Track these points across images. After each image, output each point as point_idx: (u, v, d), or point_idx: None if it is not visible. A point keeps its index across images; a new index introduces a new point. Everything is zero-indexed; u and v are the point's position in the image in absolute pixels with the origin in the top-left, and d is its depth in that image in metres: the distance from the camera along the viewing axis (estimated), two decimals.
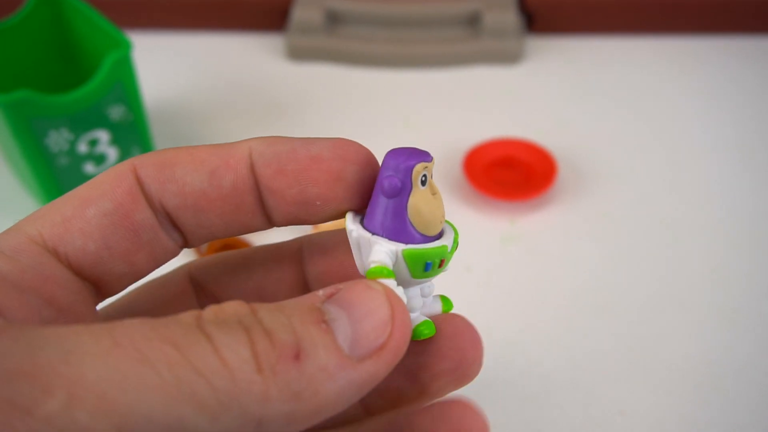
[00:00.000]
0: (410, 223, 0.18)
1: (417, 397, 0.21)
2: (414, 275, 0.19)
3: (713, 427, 0.37)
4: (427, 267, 0.19)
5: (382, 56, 0.58)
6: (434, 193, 0.19)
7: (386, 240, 0.19)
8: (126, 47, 0.41)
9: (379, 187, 0.19)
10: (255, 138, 0.19)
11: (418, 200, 0.18)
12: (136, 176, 0.19)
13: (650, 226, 0.47)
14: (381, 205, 0.19)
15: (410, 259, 0.18)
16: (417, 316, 0.20)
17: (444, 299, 0.21)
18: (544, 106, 0.55)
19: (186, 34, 0.61)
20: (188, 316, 0.15)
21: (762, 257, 0.45)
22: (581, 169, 0.50)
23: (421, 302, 0.20)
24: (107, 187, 0.19)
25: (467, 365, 0.20)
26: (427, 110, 0.55)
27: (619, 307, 0.42)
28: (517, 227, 0.46)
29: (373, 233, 0.19)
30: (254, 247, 0.23)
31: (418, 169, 0.18)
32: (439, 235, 0.19)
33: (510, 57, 0.58)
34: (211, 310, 0.16)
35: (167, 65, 0.58)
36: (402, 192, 0.18)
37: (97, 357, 0.14)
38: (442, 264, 0.19)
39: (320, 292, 0.17)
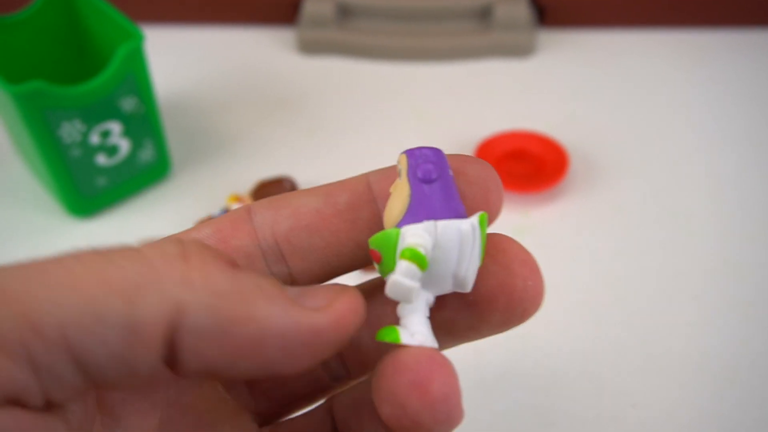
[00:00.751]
0: (458, 195, 0.18)
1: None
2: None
3: (726, 421, 0.36)
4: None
5: (393, 49, 0.58)
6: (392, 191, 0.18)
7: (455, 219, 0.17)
8: (138, 39, 0.41)
9: (415, 179, 0.17)
10: (371, 171, 0.19)
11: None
12: (249, 211, 0.19)
13: (662, 218, 0.46)
14: (423, 193, 0.17)
15: (484, 224, 0.18)
16: (403, 320, 0.17)
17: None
18: (555, 99, 0.55)
19: (197, 28, 0.61)
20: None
21: None
22: (593, 161, 0.50)
23: (402, 309, 0.18)
24: (218, 219, 0.19)
25: (413, 416, 0.16)
26: (439, 103, 0.55)
27: (631, 299, 0.42)
28: (529, 219, 0.46)
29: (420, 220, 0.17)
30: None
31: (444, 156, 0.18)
32: None
33: (522, 50, 0.58)
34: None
35: (179, 58, 0.58)
36: (440, 174, 0.18)
37: (13, 268, 0.14)
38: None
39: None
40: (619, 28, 0.61)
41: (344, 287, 0.17)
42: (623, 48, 0.59)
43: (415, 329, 0.17)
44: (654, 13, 0.60)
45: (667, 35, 0.60)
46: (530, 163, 0.49)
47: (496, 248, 0.18)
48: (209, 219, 0.20)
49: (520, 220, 0.46)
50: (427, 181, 0.18)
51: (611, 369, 0.39)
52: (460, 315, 0.19)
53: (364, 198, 0.19)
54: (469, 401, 0.39)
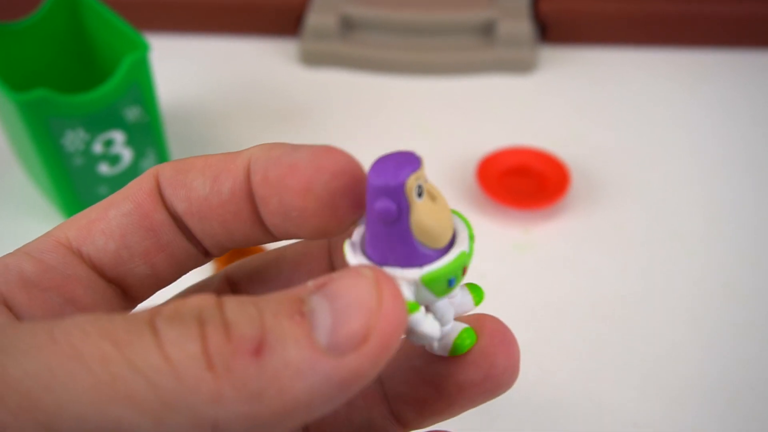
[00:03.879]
0: (419, 243, 0.16)
1: (445, 408, 0.19)
2: (439, 294, 0.17)
3: None
4: (450, 282, 0.17)
5: (396, 63, 0.58)
6: (434, 198, 0.17)
7: (399, 269, 0.16)
8: (144, 49, 0.41)
9: (372, 213, 0.16)
10: (259, 144, 0.18)
11: (420, 216, 0.16)
12: (156, 179, 0.19)
13: (663, 238, 0.47)
14: (381, 233, 0.16)
15: (431, 283, 0.16)
16: (453, 326, 0.18)
17: (473, 289, 0.19)
18: (557, 116, 0.55)
19: (201, 38, 0.61)
20: (145, 312, 0.14)
21: None
22: (594, 179, 0.50)
23: (452, 312, 0.18)
24: (131, 191, 0.19)
25: (498, 375, 0.18)
26: (441, 118, 0.55)
27: (632, 318, 0.42)
28: (530, 236, 0.46)
29: (381, 264, 0.17)
30: (289, 245, 0.22)
31: (411, 183, 0.16)
32: (452, 240, 0.17)
33: (524, 66, 0.58)
34: (172, 304, 0.14)
35: (182, 68, 0.58)
36: (400, 214, 0.16)
37: (27, 353, 0.13)
38: (465, 271, 0.17)
39: (310, 283, 0.15)
40: (621, 46, 0.61)
41: (375, 287, 0.15)
42: (625, 66, 0.60)
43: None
44: (656, 31, 0.60)
45: (669, 54, 0.60)
46: (532, 180, 0.49)
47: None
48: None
49: (520, 237, 0.46)
50: (387, 223, 0.17)
51: (611, 387, 0.39)
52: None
53: (243, 189, 0.18)
54: (468, 421, 0.39)
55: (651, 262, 0.45)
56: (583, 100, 0.57)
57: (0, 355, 0.13)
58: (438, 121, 0.55)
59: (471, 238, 0.17)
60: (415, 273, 0.16)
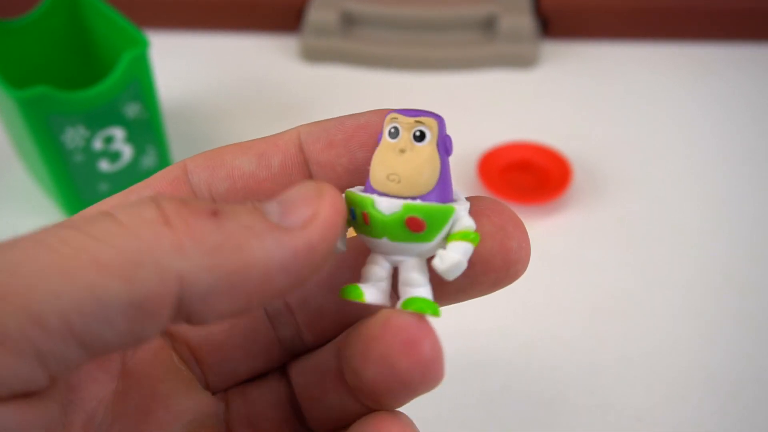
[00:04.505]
0: (369, 173, 0.18)
1: (375, 400, 0.18)
2: (347, 223, 0.18)
3: None
4: (352, 214, 0.18)
5: (397, 59, 0.58)
6: (402, 149, 0.17)
7: (358, 188, 0.19)
8: (143, 45, 0.41)
9: (444, 153, 0.18)
10: (304, 124, 0.19)
11: (376, 151, 0.18)
12: (184, 169, 0.19)
13: (665, 231, 0.46)
14: (447, 168, 0.18)
15: (345, 200, 0.18)
16: (412, 291, 0.17)
17: (415, 302, 0.17)
18: (559, 111, 0.55)
19: (201, 34, 0.61)
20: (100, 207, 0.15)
21: None
22: (596, 173, 0.50)
23: (377, 272, 0.18)
24: (153, 179, 0.19)
25: (401, 375, 0.17)
26: (442, 113, 0.55)
27: (634, 312, 0.42)
28: (532, 231, 0.46)
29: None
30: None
31: (387, 119, 0.18)
32: (403, 198, 0.17)
33: (525, 61, 0.58)
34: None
35: (183, 64, 0.58)
36: (379, 141, 0.18)
37: (21, 257, 0.14)
38: (366, 220, 0.17)
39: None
40: (623, 41, 0.61)
41: (318, 186, 0.16)
42: (626, 60, 0.59)
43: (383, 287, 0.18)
44: (657, 26, 0.60)
45: (670, 48, 0.60)
46: (533, 175, 0.49)
47: (491, 209, 0.19)
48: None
49: None
50: (449, 154, 0.18)
51: (614, 382, 0.38)
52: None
53: (296, 161, 0.19)
54: (472, 414, 0.39)
55: (653, 256, 0.45)
56: (584, 95, 0.57)
57: None
58: None
59: (406, 212, 0.17)
60: (351, 189, 0.18)
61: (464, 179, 0.49)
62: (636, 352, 0.40)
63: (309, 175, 0.19)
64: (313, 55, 0.59)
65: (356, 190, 0.18)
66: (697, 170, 0.50)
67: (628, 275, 0.44)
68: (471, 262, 0.18)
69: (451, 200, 0.18)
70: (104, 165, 0.43)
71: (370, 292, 0.18)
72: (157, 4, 0.59)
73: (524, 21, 0.57)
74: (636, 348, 0.40)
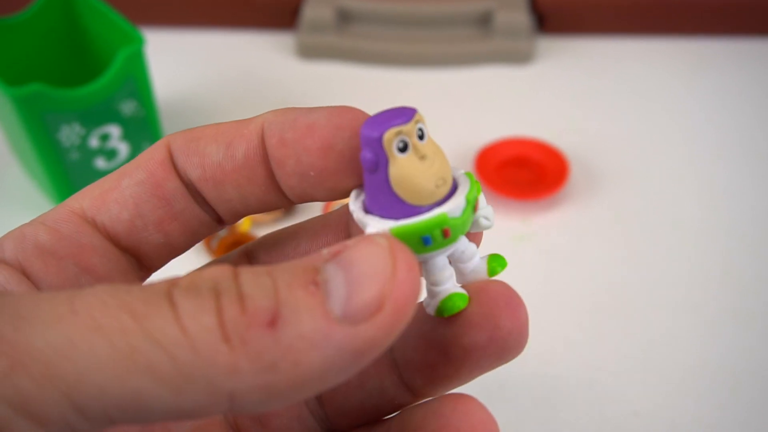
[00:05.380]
0: (398, 196, 0.17)
1: (453, 373, 0.19)
2: (417, 251, 0.17)
3: (728, 429, 0.36)
4: (426, 242, 0.17)
5: (393, 55, 0.58)
6: (422, 155, 0.17)
7: (378, 219, 0.17)
8: (139, 42, 0.41)
9: (361, 162, 0.17)
10: (271, 110, 0.19)
11: (398, 170, 0.17)
12: (168, 148, 0.19)
13: (662, 226, 0.46)
14: (367, 181, 0.17)
15: (402, 237, 0.17)
16: (446, 288, 0.18)
17: (494, 258, 0.19)
18: (555, 106, 0.55)
19: (197, 32, 0.61)
20: (162, 283, 0.14)
21: None
22: (593, 169, 0.50)
23: (448, 273, 0.18)
24: (143, 160, 0.19)
25: (503, 337, 0.18)
26: (439, 109, 0.55)
27: (632, 307, 0.42)
28: (529, 226, 0.46)
29: (369, 212, 0.17)
30: (307, 220, 0.22)
31: (389, 137, 0.16)
32: (444, 200, 0.17)
33: (521, 57, 0.58)
34: (189, 276, 0.15)
35: (179, 62, 0.58)
36: (379, 165, 0.17)
37: (48, 324, 0.13)
38: (447, 234, 0.17)
39: (325, 251, 0.15)
40: (619, 36, 0.61)
41: (390, 254, 0.15)
42: (623, 55, 0.59)
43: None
44: (653, 20, 0.60)
45: (666, 43, 0.60)
46: (530, 171, 0.49)
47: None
48: None
49: (520, 228, 0.46)
50: (369, 171, 0.18)
51: (612, 377, 0.39)
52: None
53: (258, 153, 0.18)
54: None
55: (650, 250, 0.45)
56: (581, 90, 0.57)
57: (22, 325, 0.13)
58: (436, 113, 0.54)
59: (469, 203, 0.17)
60: (388, 224, 0.17)
61: None
62: (634, 346, 0.40)
63: (270, 169, 0.18)
64: (308, 52, 0.58)
65: (386, 224, 0.17)
66: (694, 165, 0.51)
67: (625, 270, 0.44)
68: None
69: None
70: (100, 163, 0.43)
71: (461, 291, 0.18)
72: (152, 1, 0.59)
73: (520, 17, 0.57)
74: (634, 343, 0.40)
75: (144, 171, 0.19)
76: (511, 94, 0.56)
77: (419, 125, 0.17)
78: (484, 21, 0.59)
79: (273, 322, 0.14)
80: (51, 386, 0.13)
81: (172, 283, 0.14)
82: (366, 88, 0.57)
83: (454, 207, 0.17)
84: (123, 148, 0.43)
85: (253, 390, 0.14)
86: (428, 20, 0.58)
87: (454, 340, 0.18)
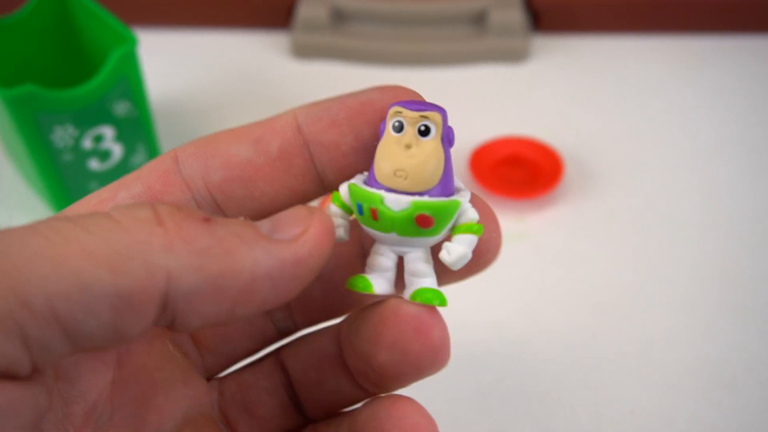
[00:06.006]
0: (373, 167, 0.18)
1: (382, 383, 0.19)
2: (353, 215, 0.18)
3: (724, 427, 0.36)
4: (358, 209, 0.18)
5: (388, 54, 0.58)
6: (407, 145, 0.17)
7: (359, 179, 0.18)
8: (132, 43, 0.41)
9: (447, 145, 0.19)
10: (299, 106, 0.19)
11: (380, 144, 0.18)
12: (175, 161, 0.19)
13: (658, 225, 0.46)
14: (450, 161, 0.18)
15: (351, 195, 0.18)
16: (419, 281, 0.18)
17: (432, 292, 0.18)
18: (550, 105, 0.55)
19: (191, 32, 0.60)
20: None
21: None
22: (588, 167, 0.50)
23: (384, 265, 0.18)
24: (144, 172, 0.19)
25: (414, 359, 0.18)
26: None
27: (628, 305, 0.42)
28: (524, 225, 0.46)
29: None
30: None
31: (390, 113, 0.18)
32: (410, 194, 0.17)
33: (516, 55, 0.58)
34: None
35: (172, 62, 0.58)
36: (381, 134, 0.18)
37: (12, 241, 0.14)
38: (374, 215, 0.17)
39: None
40: (614, 34, 0.61)
41: (310, 209, 0.17)
42: (618, 53, 0.59)
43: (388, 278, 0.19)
44: (649, 18, 0.60)
45: (662, 41, 0.60)
46: (525, 169, 0.49)
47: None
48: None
49: (515, 226, 0.46)
50: (451, 145, 0.18)
51: (608, 375, 0.38)
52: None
53: (295, 143, 0.19)
54: (465, 408, 0.38)
55: (646, 249, 0.45)
56: (576, 89, 0.57)
57: None
58: None
59: (413, 209, 0.17)
60: (353, 180, 0.18)
61: (456, 175, 0.49)
62: (629, 345, 0.40)
63: (310, 158, 0.19)
64: (303, 52, 0.58)
65: (359, 182, 0.18)
66: (690, 163, 0.51)
67: (620, 269, 0.44)
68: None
69: (453, 191, 0.19)
70: (94, 164, 0.43)
71: (379, 283, 0.18)
72: (146, 1, 0.59)
73: (515, 15, 0.57)
74: (629, 341, 0.40)
75: (142, 184, 0.19)
76: (505, 92, 0.56)
77: (426, 122, 0.18)
78: (478, 19, 0.58)
79: (207, 219, 0.15)
80: None
81: (107, 206, 0.16)
82: (361, 86, 0.56)
83: (392, 199, 0.17)
84: (117, 149, 0.43)
85: (187, 270, 0.15)
86: (423, 19, 0.58)
87: (371, 355, 0.19)
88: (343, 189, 0.18)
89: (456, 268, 0.18)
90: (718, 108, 0.55)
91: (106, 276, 0.14)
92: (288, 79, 0.57)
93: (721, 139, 0.52)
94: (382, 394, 0.19)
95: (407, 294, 0.18)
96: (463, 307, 0.37)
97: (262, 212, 0.19)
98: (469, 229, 0.18)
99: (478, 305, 0.41)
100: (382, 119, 0.18)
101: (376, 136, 0.18)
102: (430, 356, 0.18)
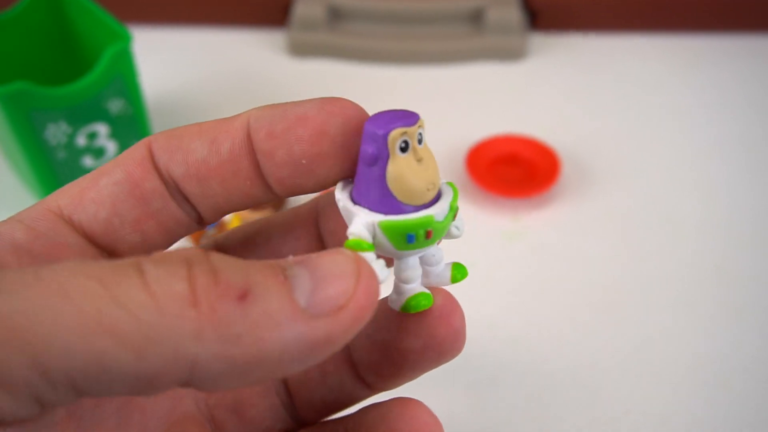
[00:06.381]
0: (391, 192, 0.18)
1: (395, 373, 0.20)
2: (398, 247, 0.18)
3: (720, 426, 0.36)
4: (409, 239, 0.18)
5: (384, 52, 0.58)
6: (420, 158, 0.18)
7: (367, 211, 0.18)
8: (126, 40, 0.40)
9: (360, 154, 0.18)
10: (257, 107, 0.19)
11: (396, 168, 0.17)
12: (149, 148, 0.19)
13: (654, 223, 0.46)
14: (362, 173, 0.18)
15: (388, 231, 0.18)
16: (414, 287, 0.19)
17: (457, 267, 0.20)
18: (547, 104, 0.55)
19: (187, 29, 0.60)
20: (131, 257, 0.15)
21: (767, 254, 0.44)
22: (585, 166, 0.50)
23: (418, 273, 0.19)
24: (121, 160, 0.19)
25: (438, 343, 0.19)
26: (430, 107, 0.55)
27: (623, 305, 0.42)
28: (520, 224, 0.46)
29: (357, 203, 0.18)
30: (275, 214, 0.22)
31: (395, 135, 0.17)
32: (431, 204, 0.18)
33: (513, 54, 0.58)
34: (159, 253, 0.15)
35: (168, 60, 0.58)
36: (379, 161, 0.17)
37: (13, 292, 0.13)
38: (429, 235, 0.18)
39: (290, 257, 0.16)
40: (611, 33, 0.60)
41: (356, 264, 0.16)
42: (615, 52, 0.59)
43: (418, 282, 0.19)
44: (646, 17, 0.60)
45: (659, 40, 0.60)
46: (521, 168, 0.49)
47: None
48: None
49: (510, 226, 0.46)
50: (367, 164, 0.18)
51: (604, 375, 0.38)
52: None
53: (244, 147, 0.18)
54: (461, 408, 0.38)
55: (642, 248, 0.45)
56: (573, 88, 0.56)
57: None
58: (427, 110, 0.54)
59: (452, 206, 0.18)
60: (377, 217, 0.18)
61: (452, 173, 0.49)
62: (625, 344, 0.40)
63: (256, 165, 0.19)
64: (300, 50, 0.58)
65: (368, 214, 0.18)
66: (687, 162, 0.50)
67: (616, 268, 0.44)
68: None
69: None
70: (88, 161, 0.43)
71: (428, 292, 0.19)
72: None
73: (512, 13, 0.57)
74: (625, 341, 0.40)
75: (122, 170, 0.19)
76: (502, 91, 0.56)
77: (420, 130, 0.18)
78: (475, 18, 0.58)
79: (243, 296, 0.14)
80: (16, 350, 0.13)
81: (143, 257, 0.15)
82: (357, 85, 0.56)
83: (440, 211, 0.18)
84: (111, 147, 0.43)
85: (214, 359, 0.14)
86: (419, 17, 0.58)
87: (393, 344, 0.19)
88: (357, 229, 0.18)
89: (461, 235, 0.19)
90: (715, 107, 0.55)
91: (131, 360, 0.13)
92: (284, 77, 0.57)
93: (718, 138, 0.52)
94: (387, 398, 0.20)
95: (445, 279, 0.20)
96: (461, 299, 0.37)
97: (217, 210, 0.19)
98: (454, 199, 0.19)
99: (472, 304, 0.41)
100: (315, 131, 0.18)
101: (307, 153, 0.18)
102: (452, 340, 0.19)
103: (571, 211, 0.47)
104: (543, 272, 0.43)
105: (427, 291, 0.19)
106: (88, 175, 0.19)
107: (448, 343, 0.19)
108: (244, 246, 0.22)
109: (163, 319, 0.14)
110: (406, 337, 0.19)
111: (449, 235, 0.19)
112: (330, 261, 0.16)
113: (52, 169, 0.41)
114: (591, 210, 0.47)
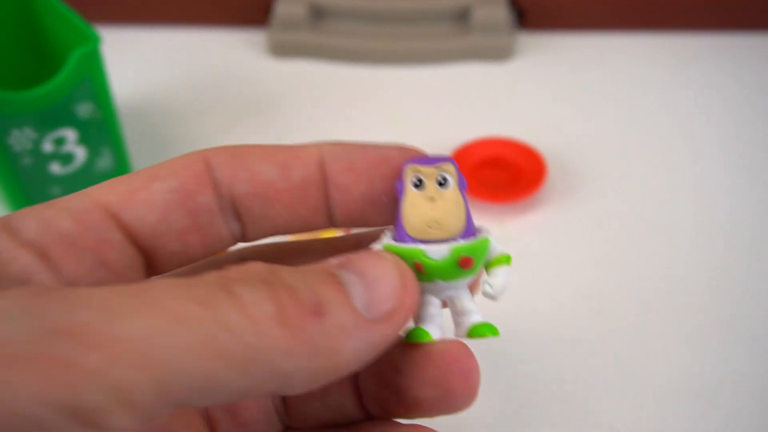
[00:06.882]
0: (401, 223, 0.19)
1: (403, 414, 0.21)
2: None
3: None
4: None
5: (368, 52, 0.56)
6: (431, 197, 0.19)
7: (389, 239, 0.20)
8: (94, 41, 0.39)
9: (463, 191, 0.20)
10: (324, 141, 0.20)
11: (405, 202, 0.19)
12: (207, 163, 0.20)
13: (644, 229, 0.45)
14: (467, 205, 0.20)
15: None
16: (471, 318, 0.20)
17: (485, 326, 0.20)
18: (534, 105, 0.54)
19: (162, 29, 0.59)
20: (212, 276, 0.16)
21: (762, 263, 0.43)
22: (572, 169, 0.48)
23: (431, 313, 0.20)
24: (176, 168, 0.20)
25: (453, 397, 0.20)
26: (414, 108, 0.53)
27: (610, 314, 0.40)
28: (505, 230, 0.44)
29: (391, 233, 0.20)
30: (314, 239, 0.24)
31: (406, 172, 0.19)
32: (442, 242, 0.19)
33: (500, 53, 0.57)
34: (233, 270, 0.16)
35: (142, 61, 0.56)
36: (400, 193, 0.19)
37: (126, 317, 0.14)
38: (419, 269, 0.19)
39: (332, 260, 0.17)
40: (601, 32, 0.59)
41: (401, 272, 0.18)
42: (604, 52, 0.58)
43: (437, 324, 0.20)
44: (636, 16, 0.59)
45: (649, 39, 0.59)
46: (507, 172, 0.48)
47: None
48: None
49: (496, 231, 0.44)
50: (465, 191, 0.20)
51: (588, 388, 0.37)
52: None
53: (316, 177, 0.20)
54: (438, 421, 0.37)
55: (630, 255, 0.43)
56: (561, 88, 0.55)
57: (110, 317, 0.14)
58: (411, 112, 0.53)
59: (453, 254, 0.19)
60: (387, 242, 0.20)
61: None
62: (612, 356, 0.38)
63: (325, 194, 0.20)
64: (281, 50, 0.57)
65: (389, 240, 0.20)
66: (678, 166, 0.49)
67: (604, 276, 0.42)
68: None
69: (476, 230, 0.20)
70: (55, 168, 0.41)
71: (434, 331, 0.20)
72: None
73: (499, 12, 0.56)
74: (612, 352, 0.38)
75: (177, 179, 0.19)
76: (489, 92, 0.55)
77: (443, 173, 0.19)
78: (461, 16, 0.57)
79: (319, 311, 0.16)
80: (145, 374, 0.14)
81: (222, 276, 0.16)
82: (340, 86, 0.55)
83: (433, 250, 0.19)
84: (80, 153, 0.42)
85: (302, 371, 0.16)
86: (404, 16, 0.57)
87: (408, 389, 0.20)
88: (375, 248, 0.19)
89: (499, 297, 0.20)
90: (706, 108, 0.53)
91: (236, 378, 0.15)
92: (265, 78, 0.56)
93: (710, 141, 0.51)
94: (402, 421, 0.21)
95: (462, 332, 0.20)
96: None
97: (270, 231, 0.21)
98: (501, 262, 0.20)
99: None
100: (395, 176, 0.20)
101: (387, 190, 0.20)
102: (468, 396, 0.20)
103: (557, 217, 0.46)
104: (527, 280, 0.42)
105: (422, 328, 0.20)
106: (134, 175, 0.20)
107: (463, 398, 0.20)
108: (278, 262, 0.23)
109: (261, 340, 0.15)
110: (422, 386, 0.20)
111: (485, 293, 0.20)
112: (373, 265, 0.17)
113: (17, 176, 0.40)
114: (578, 215, 0.46)
